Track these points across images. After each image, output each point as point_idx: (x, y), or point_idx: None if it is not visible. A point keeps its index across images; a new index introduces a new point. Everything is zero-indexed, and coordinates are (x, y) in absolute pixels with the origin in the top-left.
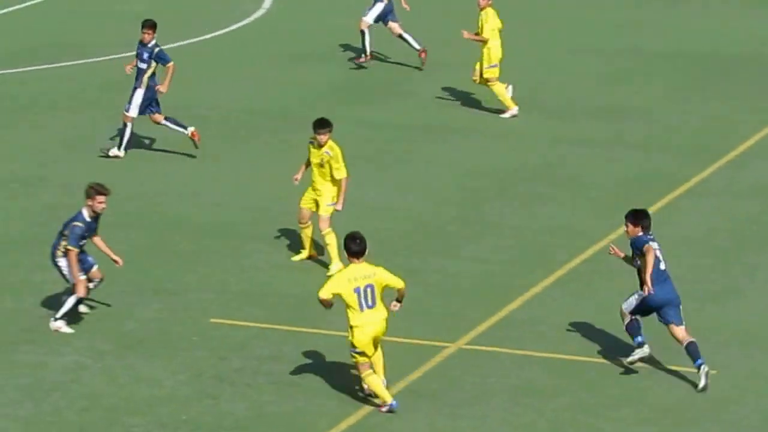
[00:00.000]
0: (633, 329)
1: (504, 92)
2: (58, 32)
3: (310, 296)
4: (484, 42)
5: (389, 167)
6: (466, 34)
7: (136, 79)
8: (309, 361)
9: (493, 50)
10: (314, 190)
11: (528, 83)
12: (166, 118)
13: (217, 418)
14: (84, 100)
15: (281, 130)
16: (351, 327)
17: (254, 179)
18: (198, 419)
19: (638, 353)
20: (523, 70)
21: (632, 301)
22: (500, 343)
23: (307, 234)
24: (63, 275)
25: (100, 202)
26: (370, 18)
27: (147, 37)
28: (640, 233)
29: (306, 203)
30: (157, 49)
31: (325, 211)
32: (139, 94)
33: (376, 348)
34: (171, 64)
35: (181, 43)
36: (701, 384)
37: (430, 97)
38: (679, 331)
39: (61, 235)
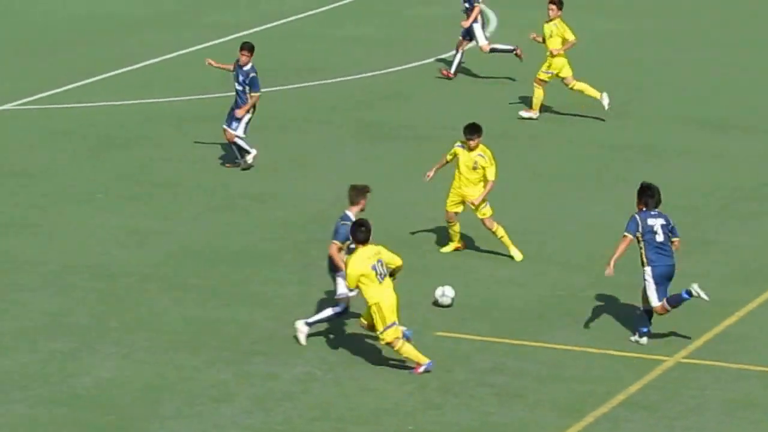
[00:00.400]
0: (643, 321)
1: (541, 97)
2: (290, 55)
3: (532, 310)
4: (571, 46)
5: (609, 186)
6: (533, 35)
7: (238, 100)
8: (530, 373)
9: (557, 59)
10: (460, 192)
11: (745, 104)
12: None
13: (442, 428)
14: (315, 120)
15: (502, 148)
16: (371, 306)
17: None
18: (423, 429)
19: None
20: (741, 91)
21: (652, 288)
22: (717, 357)
23: (455, 230)
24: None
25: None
26: (483, 40)
27: (244, 59)
28: (643, 208)
29: (451, 207)
30: (252, 74)
31: (483, 214)
32: (246, 117)
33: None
34: (258, 94)
35: (406, 66)
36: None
37: (648, 118)
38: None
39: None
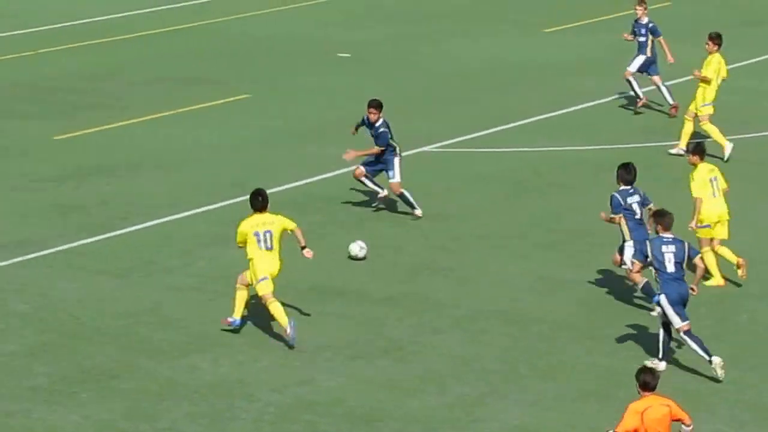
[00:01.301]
0: (649, 290)
1: (715, 130)
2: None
3: None
4: (707, 82)
5: None
6: (696, 73)
7: (385, 154)
8: None
9: (708, 91)
10: None
11: None
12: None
13: None
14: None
15: None
16: (250, 260)
17: None
18: None
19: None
20: None
21: (629, 254)
22: None
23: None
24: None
25: None
26: (633, 68)
27: (372, 116)
28: (621, 187)
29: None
30: (381, 130)
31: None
32: (397, 162)
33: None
34: (378, 149)
35: None
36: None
37: None
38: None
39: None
